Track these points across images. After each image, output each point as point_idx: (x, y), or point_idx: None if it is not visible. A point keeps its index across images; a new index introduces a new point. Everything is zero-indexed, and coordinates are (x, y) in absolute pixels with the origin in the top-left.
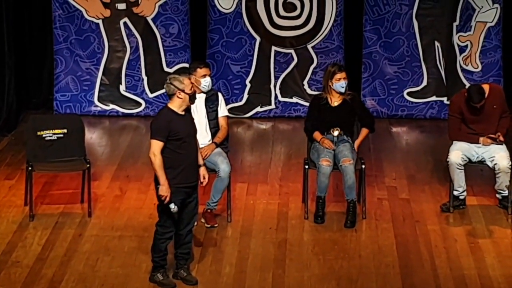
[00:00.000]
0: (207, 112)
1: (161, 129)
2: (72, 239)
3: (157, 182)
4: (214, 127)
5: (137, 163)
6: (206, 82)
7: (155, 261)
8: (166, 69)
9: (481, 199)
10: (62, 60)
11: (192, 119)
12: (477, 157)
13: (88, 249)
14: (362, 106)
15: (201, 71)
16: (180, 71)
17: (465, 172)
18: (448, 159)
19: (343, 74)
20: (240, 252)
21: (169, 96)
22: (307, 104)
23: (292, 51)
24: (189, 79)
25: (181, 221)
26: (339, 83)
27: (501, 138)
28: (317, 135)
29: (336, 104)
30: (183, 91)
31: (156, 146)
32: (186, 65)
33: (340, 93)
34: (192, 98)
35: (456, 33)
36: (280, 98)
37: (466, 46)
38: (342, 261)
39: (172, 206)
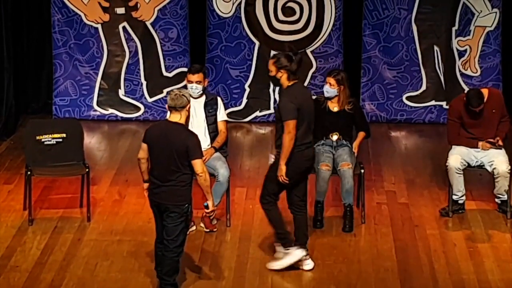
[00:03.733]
0: (206, 117)
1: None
2: (71, 243)
3: (188, 202)
4: (213, 132)
5: (136, 168)
6: (192, 89)
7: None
8: (165, 73)
9: (480, 204)
10: (61, 64)
11: None
12: (476, 161)
13: (87, 254)
14: (360, 112)
15: (189, 76)
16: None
17: (464, 177)
18: (447, 164)
19: (330, 79)
20: (239, 256)
21: (179, 108)
22: None
23: None
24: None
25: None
26: (325, 86)
27: (500, 143)
28: None
29: (336, 109)
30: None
31: (203, 164)
32: (185, 69)
33: (323, 96)
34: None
35: (455, 37)
36: None
37: (465, 50)
38: (341, 265)
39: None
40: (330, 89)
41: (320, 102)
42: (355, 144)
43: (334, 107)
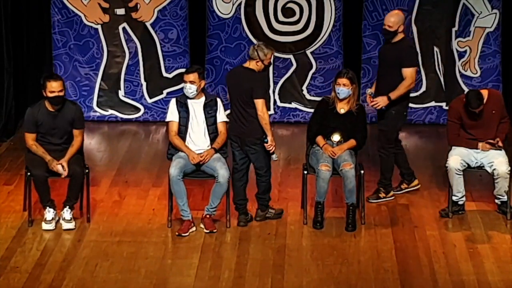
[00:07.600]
0: (206, 118)
1: (267, 88)
2: (71, 244)
3: (260, 138)
4: (213, 133)
5: (136, 169)
6: (185, 88)
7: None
8: (165, 74)
9: (480, 205)
10: (61, 65)
11: None
12: (476, 162)
13: (87, 255)
14: (363, 118)
15: (184, 76)
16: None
17: (464, 178)
18: (447, 165)
19: (343, 80)
20: (239, 257)
21: (250, 58)
22: (306, 109)
23: (291, 56)
24: (272, 54)
25: None
26: (338, 88)
27: (500, 144)
28: (320, 140)
29: (343, 111)
30: (262, 61)
31: (264, 104)
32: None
33: (337, 98)
34: (265, 69)
35: (455, 38)
36: (279, 103)
37: (465, 51)
38: (341, 266)
39: (274, 156)
40: (344, 89)
41: (329, 103)
42: (340, 147)
43: (341, 108)
